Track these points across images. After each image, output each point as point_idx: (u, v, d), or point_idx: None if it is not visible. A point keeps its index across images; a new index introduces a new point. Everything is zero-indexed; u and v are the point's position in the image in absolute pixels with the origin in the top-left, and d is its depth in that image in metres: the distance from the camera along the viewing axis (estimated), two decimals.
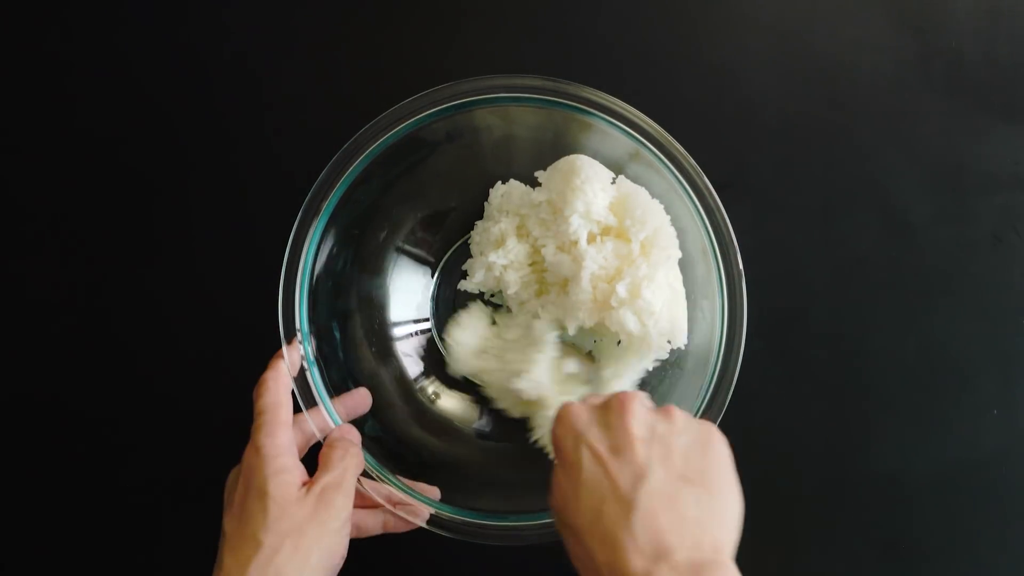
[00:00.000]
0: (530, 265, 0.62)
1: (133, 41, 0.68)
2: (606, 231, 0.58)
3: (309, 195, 0.55)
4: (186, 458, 0.64)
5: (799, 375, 0.65)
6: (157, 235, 0.66)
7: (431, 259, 0.66)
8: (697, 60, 0.68)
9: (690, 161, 0.55)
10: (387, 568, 0.63)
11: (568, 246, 0.59)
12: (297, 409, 0.53)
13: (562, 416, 0.46)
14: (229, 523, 0.48)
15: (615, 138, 0.56)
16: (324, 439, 0.53)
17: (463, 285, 0.63)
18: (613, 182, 0.58)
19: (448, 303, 0.65)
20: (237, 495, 0.48)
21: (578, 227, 0.58)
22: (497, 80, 0.56)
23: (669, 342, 0.56)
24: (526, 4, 0.68)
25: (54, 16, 0.68)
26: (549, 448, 0.59)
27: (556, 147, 0.60)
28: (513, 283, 0.61)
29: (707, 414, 0.54)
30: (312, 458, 0.52)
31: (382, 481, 0.54)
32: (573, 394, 0.60)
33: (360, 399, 0.58)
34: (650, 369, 0.61)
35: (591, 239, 0.58)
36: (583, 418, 0.45)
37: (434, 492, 0.56)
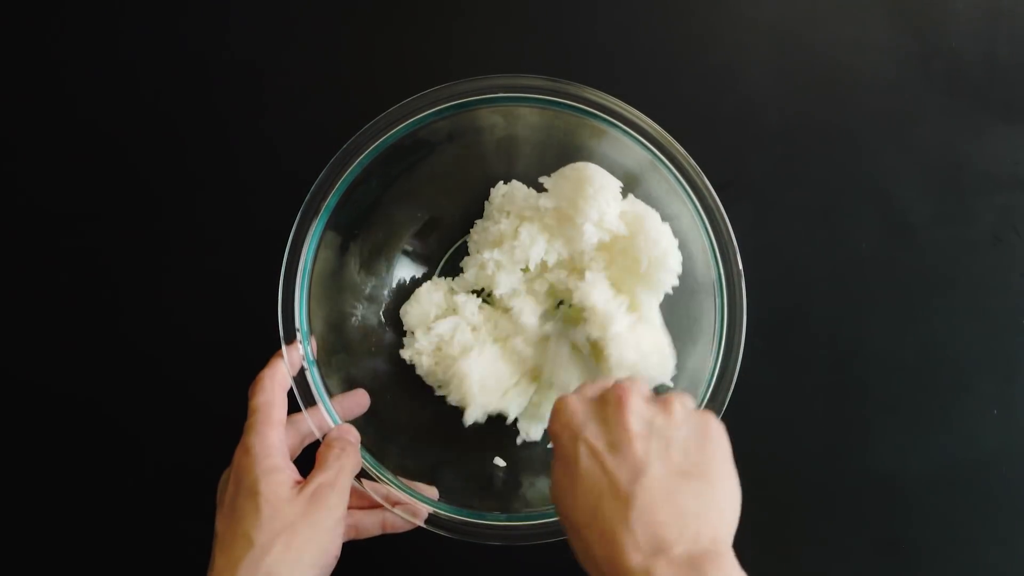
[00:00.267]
0: (523, 271, 0.62)
1: (134, 42, 0.68)
2: (613, 243, 0.59)
3: (309, 195, 0.55)
4: (187, 453, 0.64)
5: (799, 375, 0.65)
6: (157, 236, 0.66)
7: (431, 258, 0.66)
8: (697, 60, 0.68)
9: (690, 161, 0.55)
10: (387, 568, 0.63)
11: (577, 256, 0.60)
12: (295, 408, 0.53)
13: (558, 410, 0.46)
14: (221, 522, 0.48)
15: (617, 140, 0.56)
16: (322, 438, 0.53)
17: (455, 284, 0.63)
18: (622, 193, 0.59)
19: None
20: (228, 495, 0.48)
21: (591, 236, 0.58)
22: (497, 80, 0.56)
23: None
24: (526, 4, 0.68)
25: (54, 17, 0.68)
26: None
27: (557, 147, 0.61)
28: (503, 284, 0.61)
29: None
30: (310, 457, 0.52)
31: (381, 481, 0.54)
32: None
33: (359, 400, 0.58)
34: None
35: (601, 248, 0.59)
36: (580, 413, 0.45)
37: (432, 492, 0.55)
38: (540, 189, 0.61)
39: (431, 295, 0.63)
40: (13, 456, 0.65)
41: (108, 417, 0.65)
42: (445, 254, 0.65)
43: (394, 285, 0.64)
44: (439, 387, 0.62)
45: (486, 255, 0.61)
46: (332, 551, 0.49)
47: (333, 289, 0.60)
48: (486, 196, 0.63)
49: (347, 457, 0.51)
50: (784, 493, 0.64)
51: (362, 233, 0.61)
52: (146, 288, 0.66)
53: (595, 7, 0.68)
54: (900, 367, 0.65)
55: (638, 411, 0.44)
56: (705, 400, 0.55)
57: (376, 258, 0.63)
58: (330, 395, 0.55)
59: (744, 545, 0.42)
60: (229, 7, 0.68)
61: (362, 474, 0.53)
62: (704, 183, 0.55)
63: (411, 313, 0.63)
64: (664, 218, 0.58)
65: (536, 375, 0.61)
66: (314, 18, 0.68)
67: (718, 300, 0.55)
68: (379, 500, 0.53)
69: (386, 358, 0.63)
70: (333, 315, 0.60)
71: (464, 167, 0.63)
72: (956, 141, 0.67)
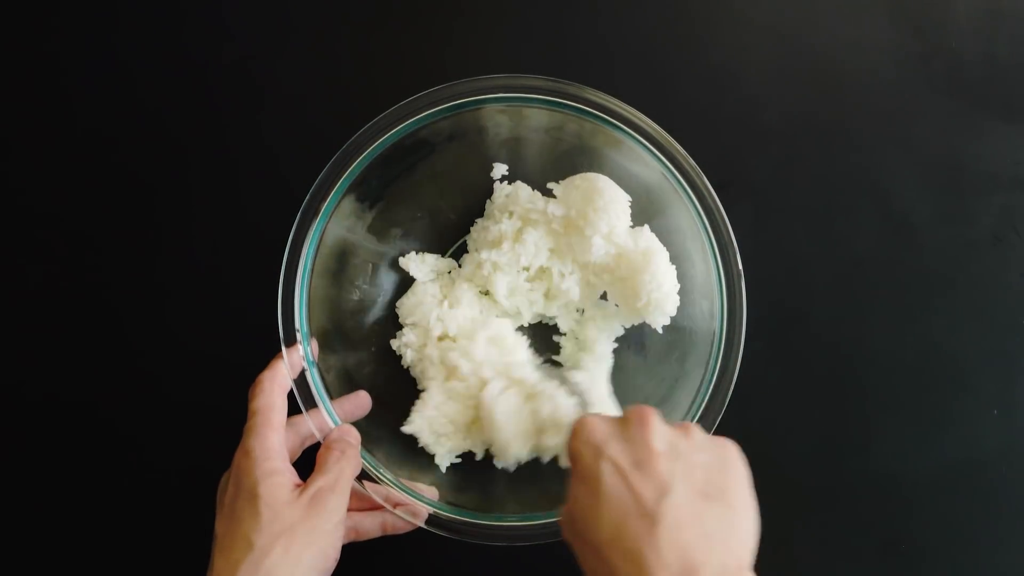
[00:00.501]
0: (524, 269, 0.62)
1: (132, 46, 0.68)
2: (617, 265, 0.59)
3: (309, 195, 0.55)
4: (184, 453, 0.64)
5: (799, 375, 0.65)
6: (158, 236, 0.66)
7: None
8: (697, 60, 0.68)
9: (690, 161, 0.55)
10: (388, 568, 0.63)
11: (582, 268, 0.60)
12: (296, 410, 0.53)
13: (580, 428, 0.45)
14: (220, 525, 0.48)
15: (623, 143, 0.56)
16: (323, 439, 0.53)
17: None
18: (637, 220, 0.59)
19: None
20: (227, 497, 0.48)
21: (599, 248, 0.58)
22: (496, 80, 0.56)
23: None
24: (525, 3, 0.68)
25: (51, 18, 0.68)
26: (564, 461, 0.58)
27: (557, 147, 0.61)
28: (501, 286, 0.61)
29: (707, 414, 0.54)
30: (310, 459, 0.52)
31: (381, 482, 0.54)
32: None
33: (360, 402, 0.58)
34: (626, 327, 0.62)
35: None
36: (602, 430, 0.44)
37: (432, 492, 0.55)
38: (545, 192, 0.61)
39: (426, 288, 0.62)
40: (13, 456, 0.65)
41: (105, 419, 0.65)
42: (445, 253, 0.65)
43: (395, 285, 0.64)
44: (419, 381, 0.62)
45: (484, 255, 0.61)
46: (331, 554, 0.49)
47: (334, 290, 0.60)
48: (488, 196, 0.63)
49: (347, 460, 0.51)
50: (784, 493, 0.64)
51: (362, 233, 0.61)
52: (145, 289, 0.66)
53: (594, 7, 0.68)
54: (900, 367, 0.65)
55: (660, 431, 0.44)
56: (706, 400, 0.55)
57: (377, 258, 0.63)
58: (331, 397, 0.55)
59: None
60: (228, 9, 0.68)
61: (362, 475, 0.53)
62: (704, 183, 0.55)
63: (405, 306, 0.63)
64: (673, 231, 0.58)
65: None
66: (313, 19, 0.68)
67: (718, 300, 0.55)
68: (380, 501, 0.53)
69: (387, 359, 0.63)
70: (334, 316, 0.60)
71: (465, 167, 0.63)
72: (956, 141, 0.67)
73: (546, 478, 0.60)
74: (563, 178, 0.61)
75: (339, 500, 0.49)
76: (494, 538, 0.54)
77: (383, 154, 0.57)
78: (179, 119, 0.67)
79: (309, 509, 0.47)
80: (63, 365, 0.65)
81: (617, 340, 0.63)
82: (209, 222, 0.66)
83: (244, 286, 0.62)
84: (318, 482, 0.49)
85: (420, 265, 0.63)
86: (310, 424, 0.53)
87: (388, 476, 0.54)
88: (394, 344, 0.62)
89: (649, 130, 0.55)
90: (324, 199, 0.55)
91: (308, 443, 0.55)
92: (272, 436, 0.49)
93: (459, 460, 0.60)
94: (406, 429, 0.59)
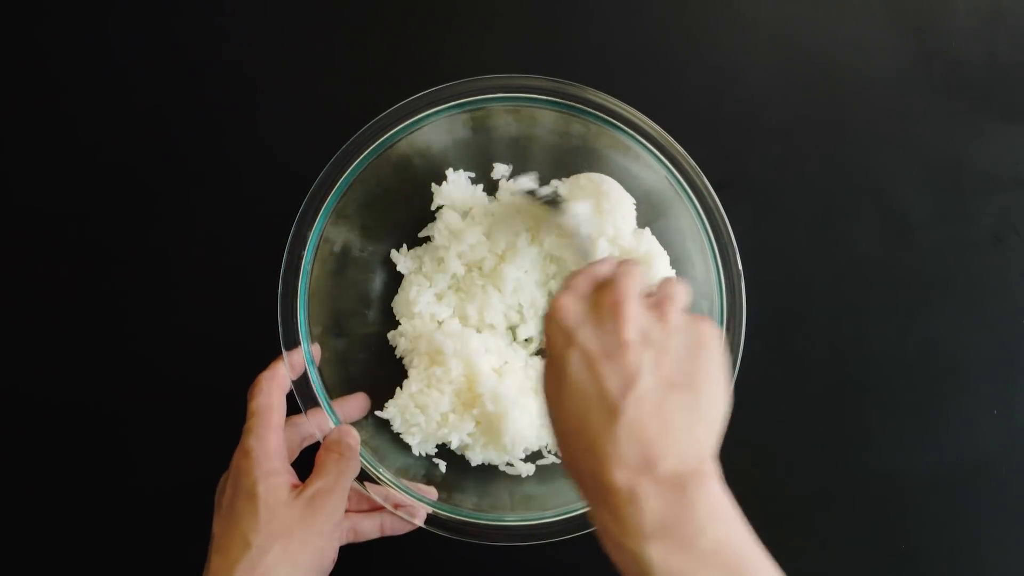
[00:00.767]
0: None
1: (128, 46, 0.67)
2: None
3: (308, 195, 0.55)
4: (186, 455, 0.64)
5: (799, 375, 0.65)
6: (157, 237, 0.66)
7: None
8: (697, 60, 0.67)
9: (690, 161, 0.55)
10: (387, 568, 0.63)
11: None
12: (296, 410, 0.53)
13: (553, 309, 0.43)
14: (218, 525, 0.48)
15: (623, 143, 0.56)
16: (323, 439, 0.53)
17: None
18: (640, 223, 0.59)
19: None
20: (226, 497, 0.48)
21: (604, 251, 0.58)
22: (495, 81, 0.56)
23: None
24: (523, 4, 0.68)
25: (47, 19, 0.68)
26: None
27: (559, 146, 0.61)
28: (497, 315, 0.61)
29: None
30: (309, 459, 0.52)
31: (381, 483, 0.54)
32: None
33: (359, 404, 0.58)
34: None
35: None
36: (574, 314, 0.42)
37: (432, 492, 0.56)
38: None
39: (417, 279, 0.62)
40: (12, 457, 0.65)
41: (106, 418, 0.65)
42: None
43: (395, 284, 0.64)
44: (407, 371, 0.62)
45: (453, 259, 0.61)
46: (329, 555, 0.49)
47: (334, 290, 0.60)
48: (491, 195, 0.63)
49: (346, 462, 0.51)
50: (784, 493, 0.64)
51: (363, 233, 0.61)
52: (145, 290, 0.66)
53: (594, 7, 0.68)
54: (900, 367, 0.65)
55: (634, 318, 0.41)
56: None
57: (377, 257, 0.63)
58: (330, 397, 0.55)
59: None
60: (224, 10, 0.68)
61: (362, 475, 0.53)
62: (704, 183, 0.55)
63: (398, 301, 0.63)
64: (673, 231, 0.59)
65: (471, 403, 0.60)
66: (311, 19, 0.68)
67: (718, 300, 0.55)
68: (379, 501, 0.53)
69: (388, 359, 0.63)
70: (334, 316, 0.60)
71: (465, 167, 0.63)
72: (956, 141, 0.67)
73: (546, 478, 0.60)
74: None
75: (337, 502, 0.49)
76: (493, 538, 0.54)
77: (382, 155, 0.57)
78: (177, 122, 0.67)
79: (307, 510, 0.47)
80: (63, 365, 0.65)
81: None
82: (209, 224, 0.66)
83: (244, 287, 0.62)
84: (317, 483, 0.49)
85: (407, 260, 0.63)
86: (310, 424, 0.53)
87: (388, 476, 0.54)
88: (390, 336, 0.62)
89: (649, 130, 0.55)
90: (324, 199, 0.55)
91: (307, 443, 0.55)
92: (271, 437, 0.49)
93: (459, 459, 0.60)
94: (380, 414, 0.59)
